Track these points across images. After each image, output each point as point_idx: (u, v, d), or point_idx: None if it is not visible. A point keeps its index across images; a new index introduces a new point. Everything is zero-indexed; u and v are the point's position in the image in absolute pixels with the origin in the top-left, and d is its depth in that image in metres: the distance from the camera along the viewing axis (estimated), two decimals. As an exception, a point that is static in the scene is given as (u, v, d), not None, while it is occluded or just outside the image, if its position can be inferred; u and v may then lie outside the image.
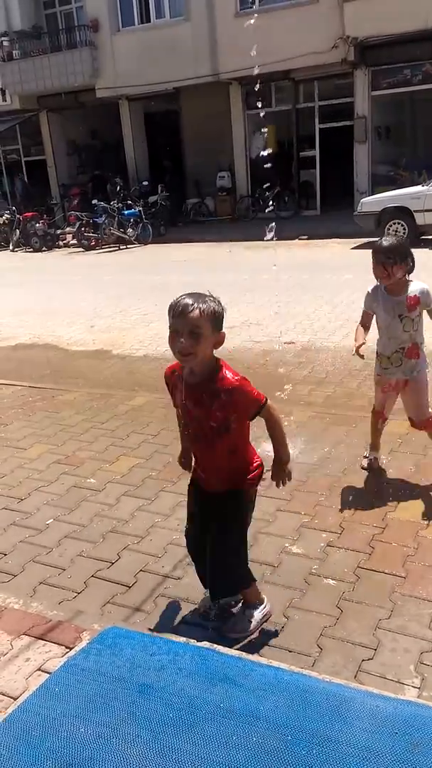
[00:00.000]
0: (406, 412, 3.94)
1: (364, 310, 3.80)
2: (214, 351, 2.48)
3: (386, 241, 3.54)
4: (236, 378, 2.48)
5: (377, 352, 3.86)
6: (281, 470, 2.68)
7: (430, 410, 3.83)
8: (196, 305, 2.35)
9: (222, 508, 2.66)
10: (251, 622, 2.77)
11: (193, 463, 2.79)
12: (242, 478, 2.66)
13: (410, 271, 3.60)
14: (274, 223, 12.71)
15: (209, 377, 2.48)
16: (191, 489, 2.83)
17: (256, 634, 2.72)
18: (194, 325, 2.35)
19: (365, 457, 4.11)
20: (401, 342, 3.69)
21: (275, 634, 2.72)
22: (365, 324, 3.81)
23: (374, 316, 3.78)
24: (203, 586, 2.85)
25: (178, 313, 2.37)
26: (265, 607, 2.83)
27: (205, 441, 2.60)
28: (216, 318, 2.41)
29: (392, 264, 3.49)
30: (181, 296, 2.41)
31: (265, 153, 19.27)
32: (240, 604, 2.87)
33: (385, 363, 3.82)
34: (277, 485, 2.72)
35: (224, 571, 2.71)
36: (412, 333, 3.66)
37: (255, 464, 2.70)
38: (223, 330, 2.46)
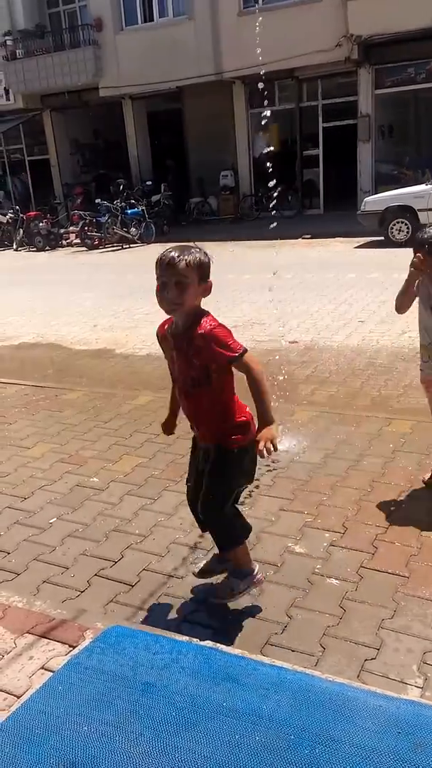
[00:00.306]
0: None
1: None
2: (203, 300, 2.55)
3: (427, 233, 3.42)
4: (213, 324, 2.48)
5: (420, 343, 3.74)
6: (264, 435, 2.47)
7: None
8: (182, 257, 2.42)
9: (209, 463, 2.67)
10: (232, 589, 2.83)
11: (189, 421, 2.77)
12: (227, 436, 2.62)
13: None
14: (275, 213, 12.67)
15: (191, 326, 2.49)
16: (192, 446, 2.86)
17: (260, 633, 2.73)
18: (181, 275, 2.41)
19: None
20: None
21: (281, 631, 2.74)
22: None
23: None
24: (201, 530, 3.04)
25: (165, 265, 2.43)
26: (253, 576, 2.85)
27: (189, 394, 2.62)
28: (202, 268, 2.47)
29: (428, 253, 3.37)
30: (168, 249, 2.47)
31: (266, 151, 19.21)
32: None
33: (424, 356, 3.69)
34: (261, 455, 2.48)
35: (213, 525, 2.79)
36: None
37: (240, 424, 2.63)
38: (210, 280, 2.53)
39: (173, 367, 2.65)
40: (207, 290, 2.52)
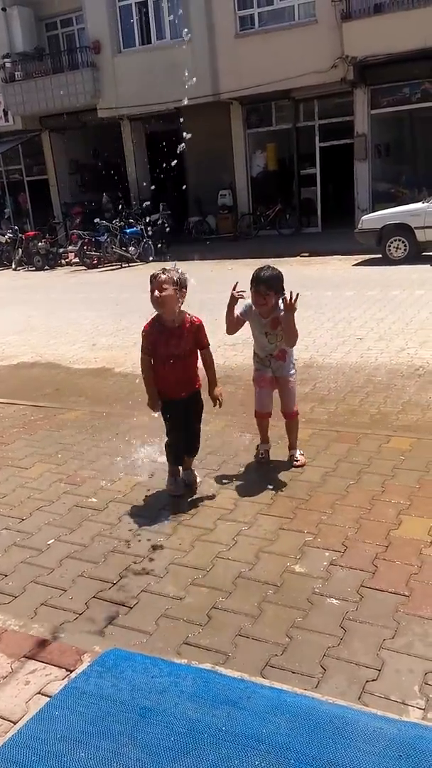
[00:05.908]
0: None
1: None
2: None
3: (265, 273, 4.23)
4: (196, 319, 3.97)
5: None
6: (218, 389, 4.11)
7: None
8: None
9: (192, 406, 4.10)
10: (197, 476, 4.26)
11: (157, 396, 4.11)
12: (195, 384, 4.07)
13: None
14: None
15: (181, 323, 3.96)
16: (167, 409, 4.08)
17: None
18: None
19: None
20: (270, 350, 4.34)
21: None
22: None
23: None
24: (179, 463, 4.24)
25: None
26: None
27: (181, 361, 3.97)
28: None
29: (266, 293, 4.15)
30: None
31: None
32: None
33: (256, 363, 4.48)
34: (218, 401, 4.08)
35: (195, 441, 4.22)
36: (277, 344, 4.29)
37: (198, 378, 4.08)
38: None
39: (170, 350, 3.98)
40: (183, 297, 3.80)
